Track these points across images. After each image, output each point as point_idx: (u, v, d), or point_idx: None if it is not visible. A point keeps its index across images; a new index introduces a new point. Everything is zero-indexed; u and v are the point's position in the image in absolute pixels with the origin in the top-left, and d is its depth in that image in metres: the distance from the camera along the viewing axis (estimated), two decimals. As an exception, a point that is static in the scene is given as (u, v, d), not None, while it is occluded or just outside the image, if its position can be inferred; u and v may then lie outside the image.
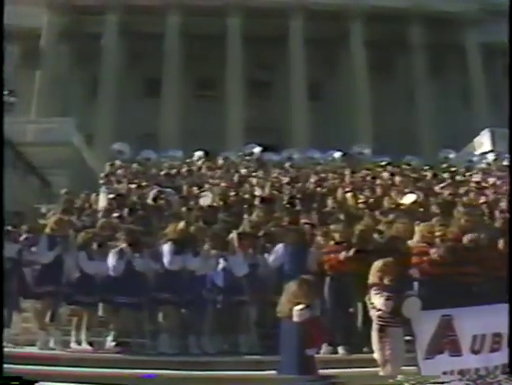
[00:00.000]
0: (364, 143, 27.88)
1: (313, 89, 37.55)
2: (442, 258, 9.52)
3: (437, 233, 10.12)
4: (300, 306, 6.62)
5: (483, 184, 17.15)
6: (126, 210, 13.34)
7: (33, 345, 9.08)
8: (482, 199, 14.95)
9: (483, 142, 27.36)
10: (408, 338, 7.23)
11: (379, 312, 7.20)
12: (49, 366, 7.81)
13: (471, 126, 32.71)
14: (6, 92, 21.75)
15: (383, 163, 20.49)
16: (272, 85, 40.20)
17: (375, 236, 10.57)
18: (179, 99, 36.87)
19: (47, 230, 9.82)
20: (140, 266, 9.48)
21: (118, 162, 20.53)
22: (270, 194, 15.24)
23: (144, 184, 16.45)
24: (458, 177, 18.69)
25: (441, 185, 16.75)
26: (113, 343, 9.09)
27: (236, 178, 17.65)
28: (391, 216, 12.37)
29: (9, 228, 10.46)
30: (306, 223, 11.86)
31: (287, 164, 20.82)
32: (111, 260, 9.48)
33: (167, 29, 38.18)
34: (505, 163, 19.43)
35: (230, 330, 9.56)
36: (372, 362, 7.29)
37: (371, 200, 14.68)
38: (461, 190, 16.16)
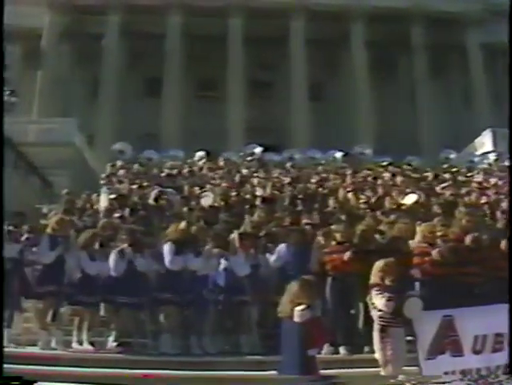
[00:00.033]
0: (366, 143, 27.81)
1: (314, 89, 37.54)
2: (444, 258, 9.52)
3: (439, 234, 10.14)
4: (301, 307, 6.62)
5: (484, 185, 17.15)
6: (127, 210, 13.34)
7: (34, 345, 9.08)
8: (484, 199, 14.95)
9: (484, 142, 27.37)
10: (409, 338, 7.23)
11: (381, 312, 7.21)
12: (50, 367, 7.80)
13: (472, 126, 32.73)
14: (7, 92, 21.77)
15: (384, 163, 20.47)
16: (273, 85, 40.21)
17: (377, 236, 10.57)
18: (180, 100, 36.87)
19: (49, 230, 9.82)
20: (141, 266, 9.50)
21: (119, 162, 20.49)
22: (271, 194, 15.23)
23: (145, 184, 16.43)
24: (460, 177, 18.68)
25: (443, 185, 16.73)
26: (115, 343, 9.09)
27: (237, 178, 17.64)
28: (392, 217, 12.39)
29: (10, 228, 10.49)
30: (308, 223, 11.87)
31: (288, 164, 20.79)
32: (113, 260, 9.49)
33: (168, 29, 38.17)
34: (507, 163, 19.41)
35: (232, 330, 9.58)
36: (374, 363, 7.29)
37: (373, 200, 14.69)
38: (463, 190, 16.16)
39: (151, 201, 14.40)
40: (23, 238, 10.67)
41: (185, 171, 19.06)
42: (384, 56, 38.81)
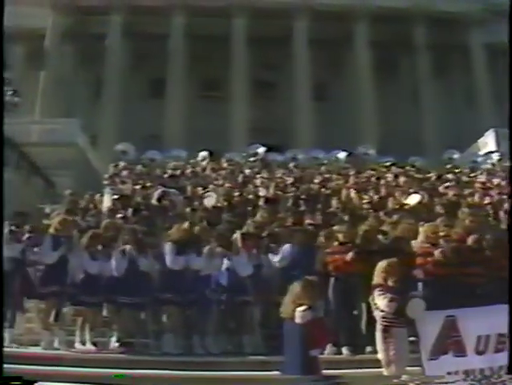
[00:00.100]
0: (369, 143, 27.73)
1: (317, 89, 37.51)
2: (446, 259, 9.50)
3: (442, 234, 10.12)
4: (302, 308, 6.61)
5: (488, 185, 17.09)
6: (130, 211, 13.35)
7: (37, 345, 9.09)
8: (487, 199, 14.91)
9: (487, 142, 27.33)
10: (412, 338, 7.22)
11: (383, 313, 7.20)
12: (53, 367, 7.80)
13: (475, 126, 32.64)
14: (10, 92, 21.83)
15: (387, 163, 20.42)
16: (276, 85, 40.21)
17: (380, 236, 10.56)
18: (183, 100, 36.89)
19: (51, 230, 9.83)
20: (144, 266, 9.50)
21: (122, 163, 20.50)
22: (274, 194, 15.21)
23: (148, 184, 16.42)
24: (463, 178, 18.64)
25: (446, 186, 16.70)
26: (117, 343, 9.10)
27: (240, 178, 17.63)
28: (395, 217, 12.37)
29: (12, 228, 10.50)
30: (311, 223, 11.85)
31: (291, 165, 20.76)
32: (115, 260, 9.49)
33: (171, 29, 38.21)
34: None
35: (234, 330, 9.58)
36: (376, 363, 7.28)
37: (376, 200, 14.67)
38: (466, 191, 16.12)
39: (154, 202, 14.41)
40: (24, 238, 10.67)
41: (188, 171, 19.05)
42: (386, 56, 38.79)
